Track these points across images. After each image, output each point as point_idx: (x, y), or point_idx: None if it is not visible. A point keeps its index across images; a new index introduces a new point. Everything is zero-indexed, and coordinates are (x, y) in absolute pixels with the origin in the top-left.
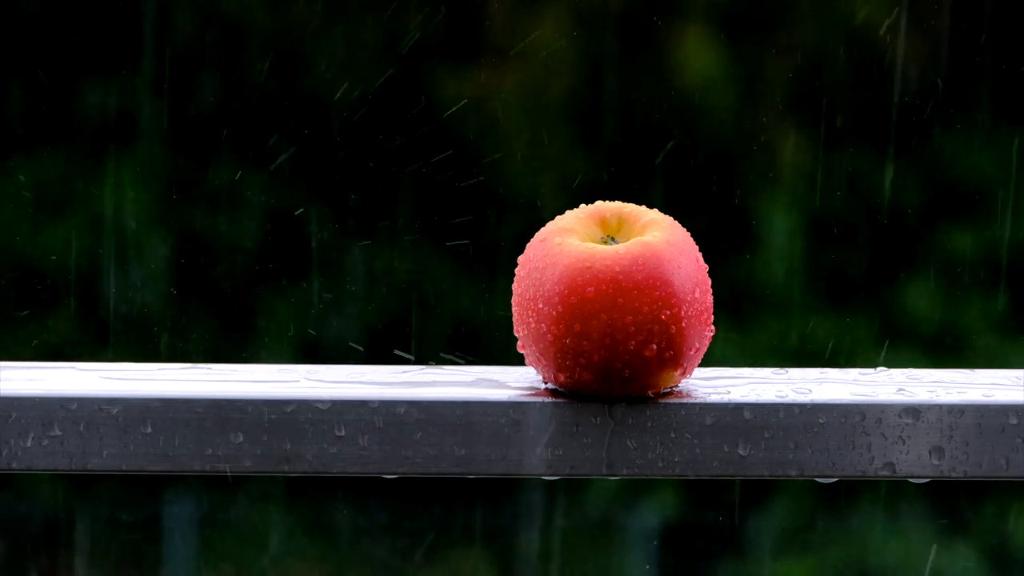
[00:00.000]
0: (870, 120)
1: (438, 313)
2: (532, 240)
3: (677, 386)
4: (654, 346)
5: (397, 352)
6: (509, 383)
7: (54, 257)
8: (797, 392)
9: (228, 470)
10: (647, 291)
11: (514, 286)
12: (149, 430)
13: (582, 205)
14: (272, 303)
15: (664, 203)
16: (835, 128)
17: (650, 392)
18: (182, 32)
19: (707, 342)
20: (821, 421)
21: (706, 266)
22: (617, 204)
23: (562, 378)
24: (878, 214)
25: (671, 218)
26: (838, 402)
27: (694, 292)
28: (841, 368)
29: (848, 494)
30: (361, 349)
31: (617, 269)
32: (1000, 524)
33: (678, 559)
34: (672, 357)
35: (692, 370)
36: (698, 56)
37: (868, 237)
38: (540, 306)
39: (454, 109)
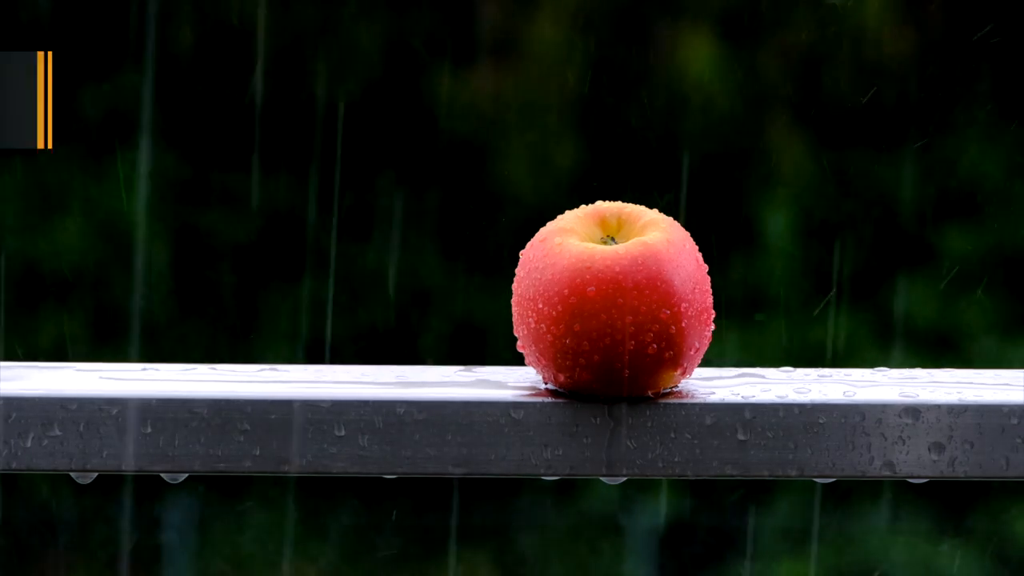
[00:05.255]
0: (870, 120)
1: (438, 313)
2: (532, 240)
3: (677, 386)
4: (654, 346)
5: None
6: (509, 383)
7: (55, 257)
8: (797, 392)
9: (228, 470)
10: (647, 291)
11: (514, 286)
12: (149, 430)
13: (582, 205)
14: (272, 303)
15: (664, 203)
16: (835, 128)
17: (650, 392)
18: (183, 32)
19: (707, 342)
20: (821, 421)
21: (706, 266)
22: (617, 204)
23: (562, 378)
24: (878, 214)
25: (671, 218)
26: (838, 402)
27: (694, 292)
28: (841, 368)
29: (848, 494)
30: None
31: (617, 269)
32: (1000, 524)
33: (678, 559)
34: (672, 357)
35: (692, 370)
36: (698, 56)
37: (868, 237)
38: (540, 306)
39: (454, 109)
